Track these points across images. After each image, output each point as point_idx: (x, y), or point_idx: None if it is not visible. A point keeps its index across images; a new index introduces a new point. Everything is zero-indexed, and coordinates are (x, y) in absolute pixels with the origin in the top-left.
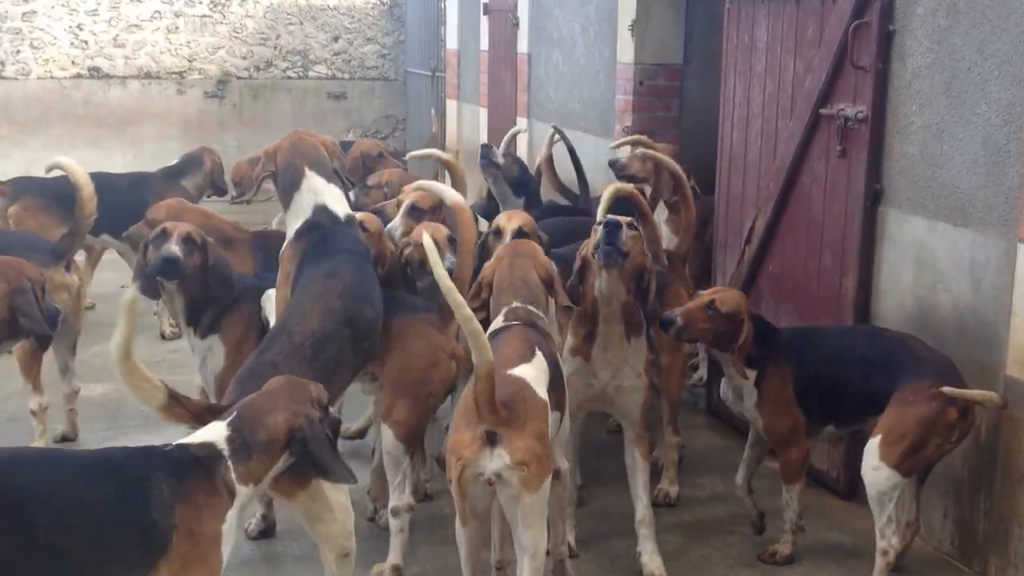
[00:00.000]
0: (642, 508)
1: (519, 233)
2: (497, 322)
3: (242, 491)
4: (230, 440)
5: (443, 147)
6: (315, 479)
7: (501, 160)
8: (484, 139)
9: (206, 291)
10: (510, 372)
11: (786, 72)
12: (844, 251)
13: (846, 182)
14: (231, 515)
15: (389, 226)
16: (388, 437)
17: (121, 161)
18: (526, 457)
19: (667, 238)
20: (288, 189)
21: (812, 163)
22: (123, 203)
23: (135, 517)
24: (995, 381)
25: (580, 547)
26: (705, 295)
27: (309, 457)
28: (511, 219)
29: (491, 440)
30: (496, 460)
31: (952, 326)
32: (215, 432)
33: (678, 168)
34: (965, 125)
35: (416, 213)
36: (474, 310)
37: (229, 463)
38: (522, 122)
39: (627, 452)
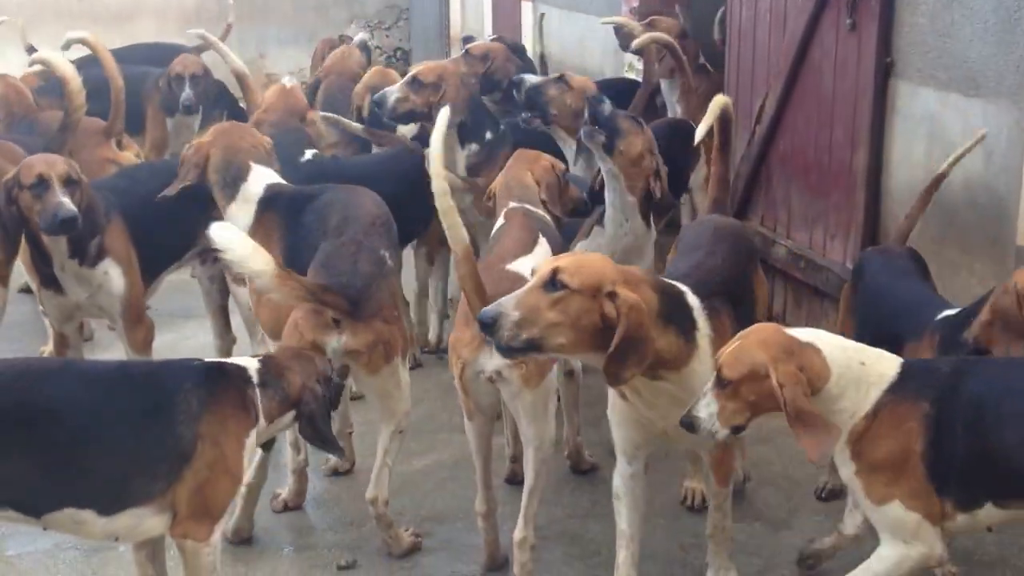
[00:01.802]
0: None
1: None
2: (499, 223)
3: (262, 423)
4: (260, 372)
5: (447, 37)
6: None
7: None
8: (489, 28)
9: (88, 223)
10: (508, 267)
11: None
12: (855, 126)
13: (856, 56)
14: (252, 434)
15: (386, 90)
16: None
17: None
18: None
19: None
20: (232, 182)
21: (822, 38)
22: None
23: (161, 431)
24: (1006, 254)
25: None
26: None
27: (311, 427)
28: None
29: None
30: (496, 358)
31: (963, 199)
32: (248, 362)
33: (668, 39)
34: None
35: (416, 84)
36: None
37: (257, 391)
38: (527, 7)
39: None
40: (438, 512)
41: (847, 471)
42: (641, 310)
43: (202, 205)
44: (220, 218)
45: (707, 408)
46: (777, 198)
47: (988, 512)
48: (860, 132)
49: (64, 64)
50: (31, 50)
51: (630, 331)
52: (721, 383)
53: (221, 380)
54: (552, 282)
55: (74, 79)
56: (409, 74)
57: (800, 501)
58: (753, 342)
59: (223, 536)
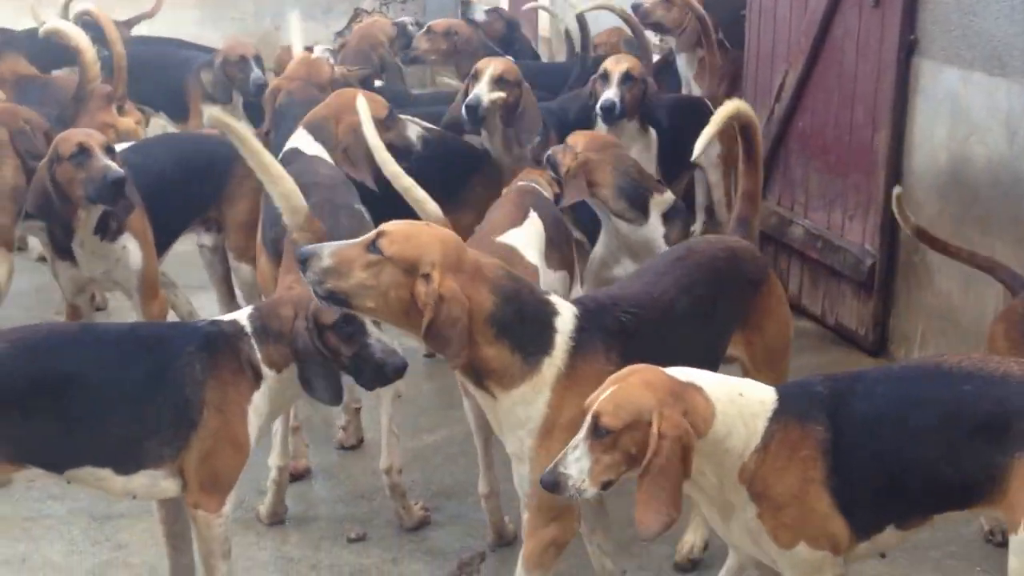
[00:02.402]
0: None
1: (500, 80)
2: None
3: (268, 374)
4: (252, 319)
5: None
6: None
7: (482, 16)
8: (506, 1)
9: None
10: (498, 239)
11: None
12: (876, 105)
13: (879, 34)
14: (257, 397)
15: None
16: None
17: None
18: None
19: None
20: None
21: (845, 15)
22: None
23: (170, 394)
24: None
25: None
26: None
27: (301, 365)
28: (489, 63)
29: None
30: None
31: (985, 179)
32: (241, 313)
33: (702, 11)
34: None
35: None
36: None
37: (253, 342)
38: None
39: None
40: (448, 487)
41: (748, 514)
42: (455, 305)
43: (206, 177)
44: (224, 190)
45: (578, 464)
46: (795, 178)
47: (888, 536)
48: (881, 111)
49: (78, 34)
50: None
51: (436, 324)
52: (597, 433)
53: (221, 341)
54: (373, 243)
55: (88, 49)
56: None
57: None
58: (635, 385)
59: (258, 513)
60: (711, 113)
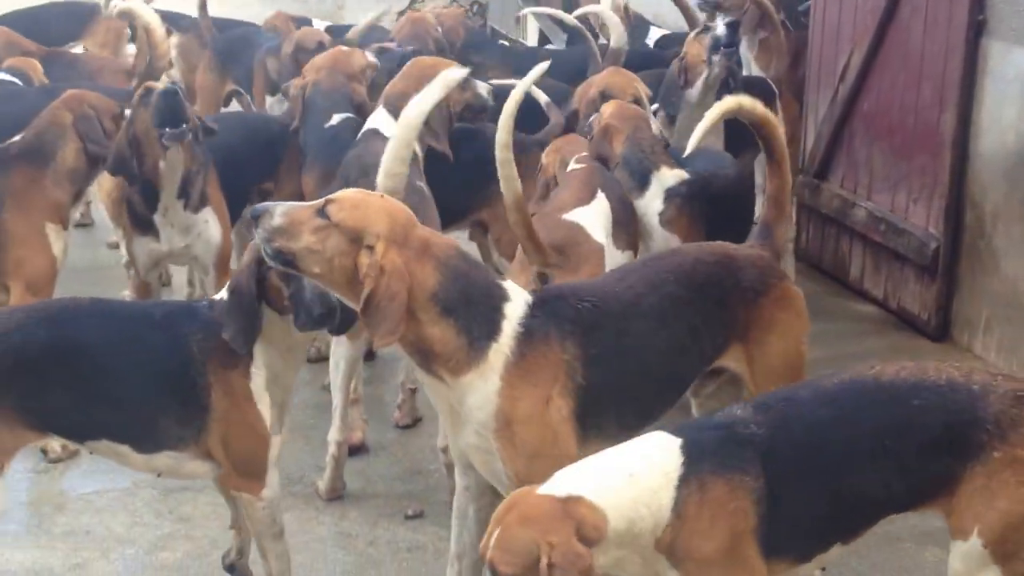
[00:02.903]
0: None
1: None
2: (570, 167)
3: (257, 347)
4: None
5: None
6: None
7: None
8: None
9: (197, 157)
10: (564, 216)
11: None
12: (944, 86)
13: (947, 13)
14: (254, 370)
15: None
16: None
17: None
18: None
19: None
20: None
21: None
22: None
23: (175, 375)
24: None
25: None
26: None
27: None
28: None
29: (543, 282)
30: None
31: None
32: (224, 290)
33: None
34: None
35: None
36: None
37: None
38: None
39: None
40: None
41: None
42: (396, 279)
43: (267, 155)
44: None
45: None
46: (859, 159)
47: (833, 553)
48: (948, 92)
49: (148, 13)
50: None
51: (375, 296)
52: None
53: (212, 323)
54: (323, 209)
55: (158, 28)
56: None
57: None
58: (515, 523)
59: (317, 489)
60: (773, 94)
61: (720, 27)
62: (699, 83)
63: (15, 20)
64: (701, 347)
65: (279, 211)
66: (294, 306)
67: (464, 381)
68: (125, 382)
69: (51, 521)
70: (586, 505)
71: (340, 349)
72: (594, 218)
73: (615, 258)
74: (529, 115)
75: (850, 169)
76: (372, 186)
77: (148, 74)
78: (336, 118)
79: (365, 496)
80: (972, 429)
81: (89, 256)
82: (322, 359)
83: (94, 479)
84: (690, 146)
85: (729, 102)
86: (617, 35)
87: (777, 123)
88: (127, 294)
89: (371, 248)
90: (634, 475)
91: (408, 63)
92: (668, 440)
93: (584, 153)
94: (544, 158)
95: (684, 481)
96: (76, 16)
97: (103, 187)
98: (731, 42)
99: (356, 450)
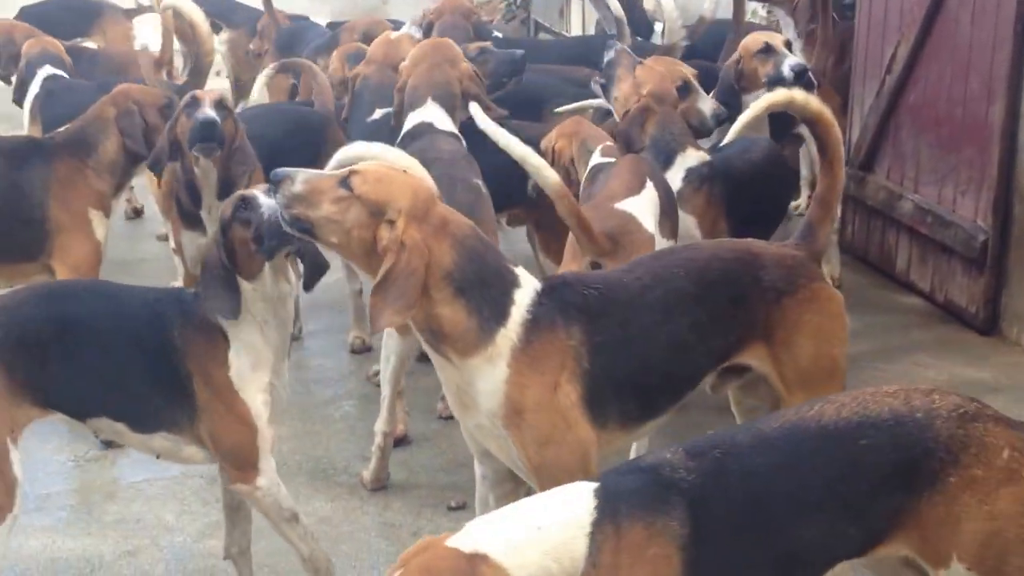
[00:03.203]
0: None
1: None
2: (595, 157)
3: (232, 330)
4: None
5: None
6: None
7: None
8: None
9: (238, 161)
10: (616, 206)
11: None
12: (992, 78)
13: (995, 4)
14: (233, 359)
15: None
16: None
17: None
18: None
19: None
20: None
21: None
22: None
23: (161, 361)
24: None
25: None
26: None
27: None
28: None
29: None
30: None
31: None
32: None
33: None
34: None
35: None
36: None
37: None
38: None
39: None
40: None
41: None
42: (416, 254)
43: (310, 145)
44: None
45: None
46: (905, 151)
47: None
48: (997, 84)
49: (194, 10)
50: None
51: (394, 271)
52: None
53: (189, 310)
54: (345, 179)
55: (203, 23)
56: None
57: None
58: (417, 570)
59: (362, 479)
60: (812, 85)
61: (788, 70)
62: (755, 94)
63: (23, 17)
64: (709, 344)
65: (300, 178)
66: (256, 237)
67: (471, 364)
68: (118, 359)
69: (101, 509)
70: (490, 565)
71: (392, 343)
72: (644, 207)
73: (661, 247)
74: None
75: (896, 161)
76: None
77: (195, 70)
78: (379, 113)
79: (409, 487)
80: (925, 460)
81: (139, 248)
82: (365, 349)
83: (144, 467)
84: (730, 135)
85: (779, 96)
86: (672, 29)
87: (832, 120)
88: (176, 285)
89: (392, 222)
90: (542, 528)
91: (420, 48)
92: (583, 487)
93: (610, 142)
94: (556, 143)
95: (598, 528)
96: (84, 13)
97: (155, 181)
98: (797, 82)
99: (399, 442)
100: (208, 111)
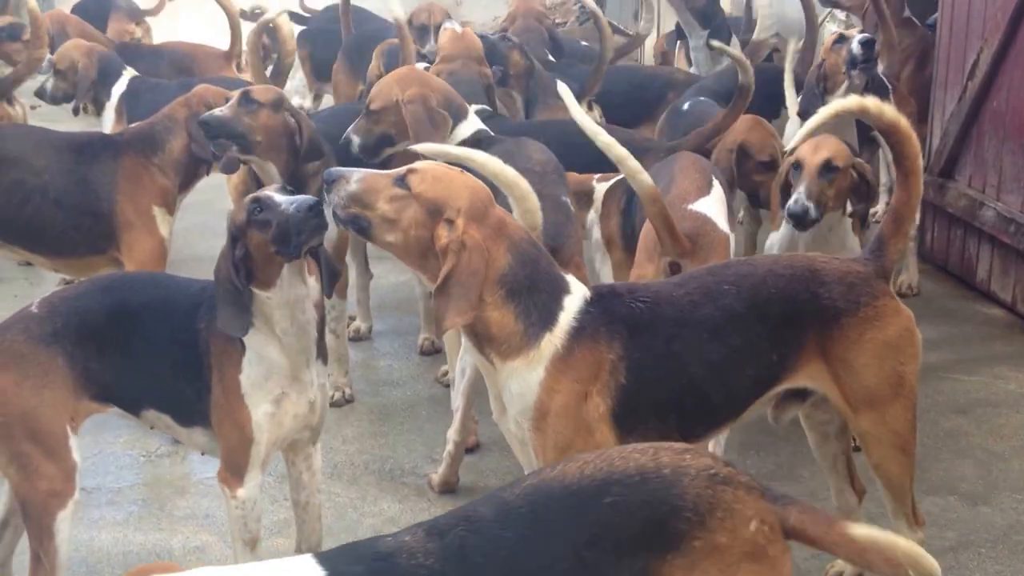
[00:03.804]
0: None
1: (827, 166)
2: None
3: (248, 337)
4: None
5: None
6: None
7: None
8: None
9: (306, 158)
10: (690, 207)
11: None
12: None
13: None
14: (246, 365)
15: None
16: None
17: None
18: None
19: None
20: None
21: None
22: None
23: (191, 348)
24: None
25: None
26: None
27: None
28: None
29: (674, 271)
30: None
31: None
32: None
33: None
34: None
35: None
36: None
37: None
38: None
39: None
40: None
41: None
42: (477, 255)
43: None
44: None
45: None
46: (987, 158)
47: None
48: None
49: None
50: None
51: (455, 272)
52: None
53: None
54: (402, 178)
55: (285, 24)
56: None
57: (999, 476)
58: None
59: (430, 481)
60: (886, 89)
61: (856, 45)
62: (840, 91)
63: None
64: (758, 365)
65: (356, 177)
66: (277, 238)
67: (511, 366)
68: (160, 351)
69: (172, 504)
70: None
71: (468, 356)
72: (716, 207)
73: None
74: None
75: (978, 168)
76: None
77: (277, 71)
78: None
79: (476, 490)
80: (671, 519)
81: (212, 246)
82: (435, 351)
83: (214, 464)
84: (794, 141)
85: (850, 102)
86: (764, 25)
87: (910, 130)
88: None
89: (450, 222)
90: None
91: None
92: (310, 565)
93: None
94: None
95: None
96: (93, 14)
97: (231, 180)
98: (868, 58)
99: (470, 449)
100: (216, 110)
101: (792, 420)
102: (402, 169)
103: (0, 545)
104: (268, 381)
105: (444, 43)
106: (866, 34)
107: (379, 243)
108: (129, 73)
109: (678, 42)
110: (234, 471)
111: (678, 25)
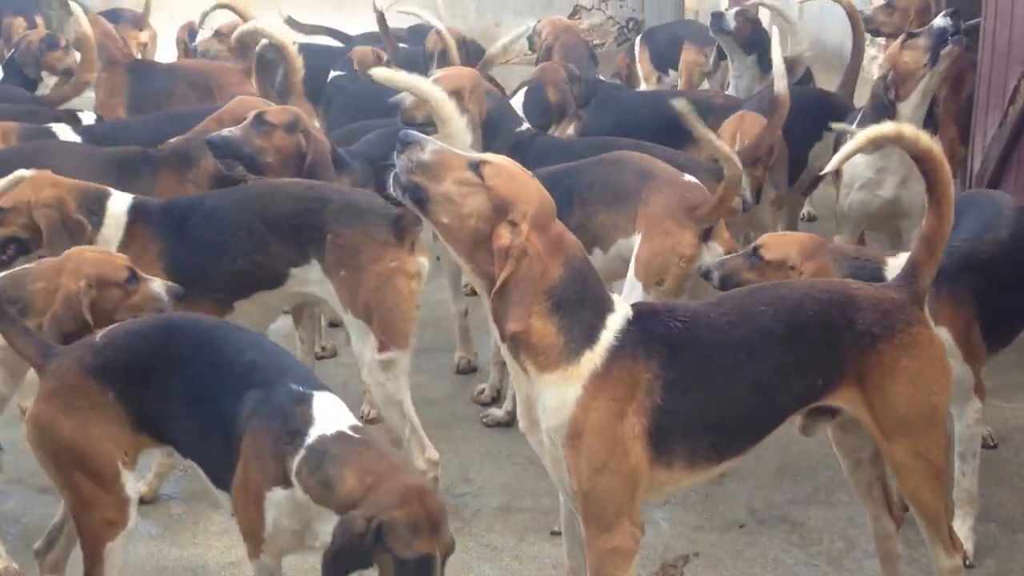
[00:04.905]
0: None
1: None
2: None
3: (292, 488)
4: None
5: (682, 7)
6: None
7: (732, 26)
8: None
9: (313, 176)
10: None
11: None
12: None
13: None
14: (280, 496)
15: None
16: None
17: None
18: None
19: None
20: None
21: None
22: None
23: (228, 428)
24: None
25: None
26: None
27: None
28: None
29: (705, 237)
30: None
31: None
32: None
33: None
34: None
35: None
36: None
37: (302, 453)
38: None
39: None
40: None
41: None
42: (538, 263)
43: None
44: None
45: None
46: None
47: None
48: None
49: (279, 32)
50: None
51: (515, 277)
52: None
53: (275, 406)
54: (476, 166)
55: (290, 45)
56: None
57: None
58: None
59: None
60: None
61: (940, 20)
62: (915, 94)
63: None
64: (792, 387)
65: (431, 147)
66: None
67: (546, 378)
68: (199, 411)
69: (207, 519)
70: None
71: None
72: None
73: None
74: None
75: (1019, 191)
76: None
77: (286, 88)
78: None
79: (512, 510)
80: None
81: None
82: (471, 369)
83: None
84: (830, 166)
85: (886, 128)
86: (796, 40)
87: (942, 158)
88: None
89: (514, 225)
90: None
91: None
92: None
93: None
94: None
95: None
96: None
97: None
98: (957, 30)
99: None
100: (225, 131)
101: (829, 445)
102: (477, 156)
103: (55, 548)
104: (285, 519)
105: (545, 29)
106: (951, 8)
107: (431, 219)
108: None
109: (721, 63)
110: (250, 540)
111: (718, 47)
